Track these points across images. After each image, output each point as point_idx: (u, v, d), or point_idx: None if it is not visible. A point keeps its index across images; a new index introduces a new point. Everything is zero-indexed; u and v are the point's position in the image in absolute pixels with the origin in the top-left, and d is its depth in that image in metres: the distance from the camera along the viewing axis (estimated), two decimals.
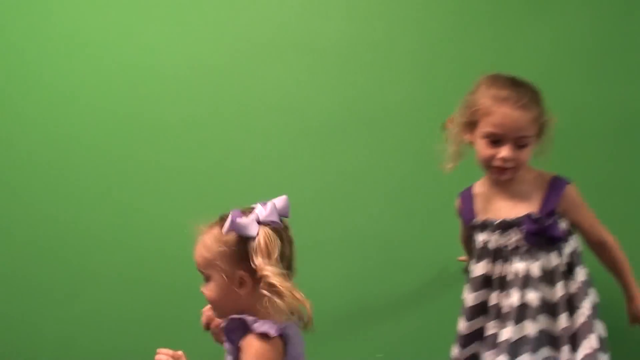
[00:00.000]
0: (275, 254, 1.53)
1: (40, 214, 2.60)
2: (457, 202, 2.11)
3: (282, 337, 1.55)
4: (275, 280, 1.50)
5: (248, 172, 2.53)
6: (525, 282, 1.90)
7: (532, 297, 1.89)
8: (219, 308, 1.62)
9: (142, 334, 2.55)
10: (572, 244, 1.95)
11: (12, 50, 2.62)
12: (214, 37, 2.54)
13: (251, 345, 1.52)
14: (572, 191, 1.96)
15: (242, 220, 1.54)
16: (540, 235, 1.91)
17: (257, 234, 1.53)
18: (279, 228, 1.57)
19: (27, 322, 2.62)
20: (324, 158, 2.52)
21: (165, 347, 1.66)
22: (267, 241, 1.53)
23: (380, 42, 2.49)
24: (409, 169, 2.48)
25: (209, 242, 1.58)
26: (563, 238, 1.92)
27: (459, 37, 2.45)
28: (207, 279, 1.60)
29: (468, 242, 2.10)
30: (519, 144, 1.90)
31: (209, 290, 1.60)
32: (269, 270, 1.51)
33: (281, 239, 1.56)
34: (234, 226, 1.54)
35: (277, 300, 1.50)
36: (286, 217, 1.61)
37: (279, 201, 1.59)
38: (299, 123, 2.52)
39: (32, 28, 2.60)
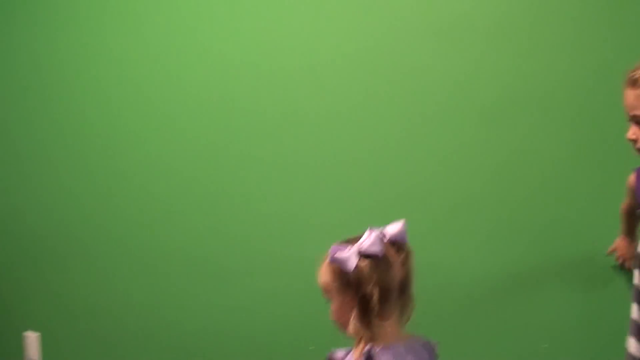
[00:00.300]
0: (367, 287, 1.58)
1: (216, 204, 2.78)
2: (631, 177, 2.03)
3: None
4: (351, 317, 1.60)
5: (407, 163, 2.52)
6: None
7: None
8: (342, 327, 1.67)
9: None
10: None
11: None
12: (358, 23, 2.51)
13: None
14: None
15: (341, 256, 1.60)
16: None
17: (355, 267, 1.59)
18: (378, 258, 1.60)
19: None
20: (485, 146, 2.43)
21: None
22: (358, 280, 1.59)
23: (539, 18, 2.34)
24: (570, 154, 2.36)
25: (322, 269, 1.67)
26: None
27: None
28: (329, 300, 1.67)
29: (631, 216, 2.07)
30: (636, 121, 1.71)
31: (331, 310, 1.67)
32: (343, 307, 1.62)
33: (383, 267, 1.60)
34: (333, 261, 1.62)
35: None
36: (403, 242, 1.65)
37: (393, 228, 1.64)
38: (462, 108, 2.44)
39: (164, 29, 2.77)
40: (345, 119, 2.55)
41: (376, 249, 1.60)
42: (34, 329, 3.20)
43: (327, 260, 1.64)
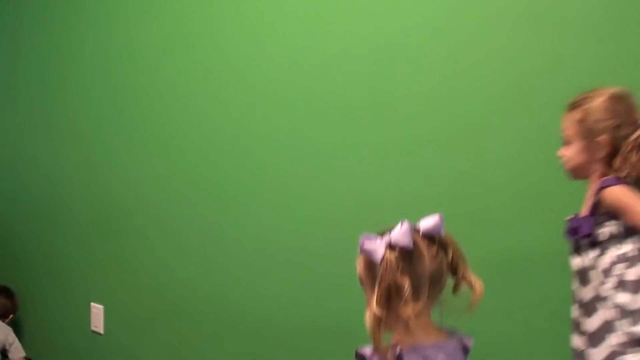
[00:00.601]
0: (386, 282, 1.54)
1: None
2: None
3: None
4: (372, 309, 1.54)
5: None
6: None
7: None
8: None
9: None
10: (608, 248, 1.90)
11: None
12: (413, 13, 2.44)
13: None
14: (608, 194, 1.88)
15: (370, 246, 1.57)
16: (569, 234, 1.94)
17: (382, 258, 1.55)
18: (408, 250, 1.55)
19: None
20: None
21: None
22: (383, 272, 1.54)
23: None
24: None
25: (358, 260, 1.63)
26: (583, 238, 1.91)
27: None
28: (364, 291, 1.64)
29: None
30: (565, 141, 1.96)
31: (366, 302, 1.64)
32: (373, 299, 1.55)
33: (413, 260, 1.56)
34: (362, 251, 1.59)
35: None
36: (437, 235, 1.59)
37: (428, 221, 1.60)
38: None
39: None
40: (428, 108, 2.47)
41: (406, 240, 1.56)
42: (99, 302, 3.35)
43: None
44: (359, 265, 1.62)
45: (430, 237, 1.59)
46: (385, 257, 1.54)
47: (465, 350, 1.64)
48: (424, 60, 2.41)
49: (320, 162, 2.65)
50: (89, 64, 3.29)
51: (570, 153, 1.95)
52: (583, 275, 1.94)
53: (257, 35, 2.77)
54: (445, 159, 2.40)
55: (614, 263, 1.87)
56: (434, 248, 1.58)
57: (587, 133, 1.90)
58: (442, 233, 1.60)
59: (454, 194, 2.38)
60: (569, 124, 1.94)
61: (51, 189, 3.51)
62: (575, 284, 1.98)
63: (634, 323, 1.82)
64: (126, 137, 3.21)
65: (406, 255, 1.55)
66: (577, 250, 1.95)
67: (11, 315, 3.58)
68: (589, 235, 1.90)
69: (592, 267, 1.91)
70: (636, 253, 1.86)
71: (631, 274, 1.85)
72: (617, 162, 1.89)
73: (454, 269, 1.60)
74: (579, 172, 1.96)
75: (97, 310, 3.37)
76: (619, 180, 1.87)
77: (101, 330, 3.37)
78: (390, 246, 1.56)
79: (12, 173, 3.68)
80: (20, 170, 3.63)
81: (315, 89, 2.64)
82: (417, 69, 2.43)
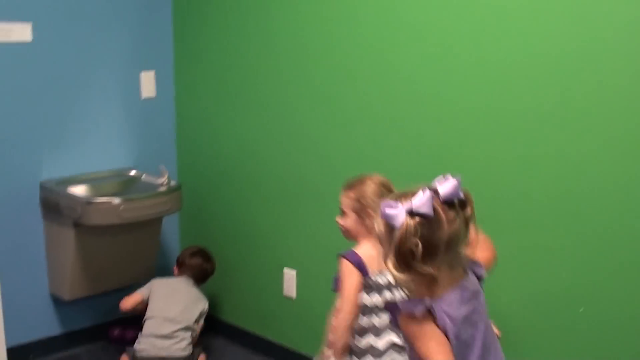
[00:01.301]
0: (403, 247, 1.62)
1: None
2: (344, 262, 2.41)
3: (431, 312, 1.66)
4: (391, 272, 1.65)
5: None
6: None
7: None
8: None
9: None
10: None
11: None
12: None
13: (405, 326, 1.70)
14: (339, 265, 2.41)
15: (391, 212, 1.64)
16: None
17: (400, 225, 1.62)
18: (429, 217, 1.62)
19: None
20: None
21: None
22: (401, 237, 1.62)
23: None
24: None
25: (377, 220, 1.72)
26: None
27: None
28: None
29: None
30: (342, 212, 2.48)
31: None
32: (388, 264, 1.65)
33: (431, 226, 1.63)
34: (384, 216, 1.66)
35: None
36: (455, 199, 1.66)
37: (446, 186, 1.66)
38: None
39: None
40: None
41: (426, 208, 1.62)
42: (292, 267, 3.46)
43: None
44: (378, 226, 1.70)
45: (450, 202, 1.65)
46: (405, 223, 1.62)
47: (479, 277, 1.77)
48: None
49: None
50: (277, 34, 3.36)
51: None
52: None
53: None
54: None
55: None
56: (452, 213, 1.65)
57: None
58: (460, 195, 1.67)
59: None
60: (343, 199, 2.45)
61: (243, 157, 3.62)
62: None
63: None
64: (313, 105, 3.25)
65: (425, 222, 1.62)
66: None
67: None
68: None
69: None
70: None
71: None
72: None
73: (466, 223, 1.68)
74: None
75: (289, 275, 3.48)
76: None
77: (294, 295, 3.48)
78: (411, 213, 1.62)
79: (206, 141, 3.82)
80: (213, 139, 3.77)
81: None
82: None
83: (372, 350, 2.35)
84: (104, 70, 3.65)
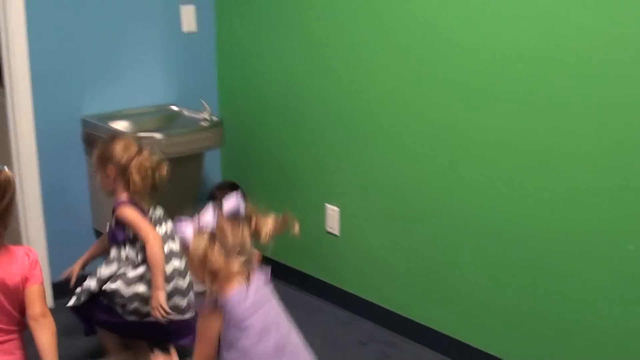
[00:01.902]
0: (196, 261, 2.05)
1: None
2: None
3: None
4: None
5: None
6: None
7: None
8: None
9: None
10: None
11: None
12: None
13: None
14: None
15: (182, 230, 2.04)
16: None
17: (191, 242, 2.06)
18: (213, 232, 2.03)
19: None
20: None
21: None
22: (192, 251, 2.05)
23: None
24: None
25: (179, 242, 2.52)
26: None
27: None
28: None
29: None
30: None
31: None
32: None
33: (218, 238, 2.03)
34: (178, 234, 2.08)
35: None
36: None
37: (229, 203, 2.04)
38: None
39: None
40: None
41: (211, 224, 2.02)
42: (335, 204, 3.42)
43: None
44: (181, 245, 2.14)
45: (234, 216, 2.02)
46: (194, 240, 1.99)
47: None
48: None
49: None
50: None
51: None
52: None
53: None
54: None
55: None
56: (237, 224, 2.03)
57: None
58: (242, 210, 2.05)
59: None
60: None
61: (284, 93, 3.57)
62: None
63: None
64: (357, 46, 3.18)
65: (212, 236, 2.00)
66: None
67: None
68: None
69: None
70: None
71: None
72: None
73: (257, 234, 2.09)
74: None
75: (332, 211, 3.44)
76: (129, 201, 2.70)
77: (337, 231, 3.45)
78: (201, 229, 1.99)
79: (247, 77, 3.77)
80: (254, 75, 3.72)
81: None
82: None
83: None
84: (143, 2, 3.60)
